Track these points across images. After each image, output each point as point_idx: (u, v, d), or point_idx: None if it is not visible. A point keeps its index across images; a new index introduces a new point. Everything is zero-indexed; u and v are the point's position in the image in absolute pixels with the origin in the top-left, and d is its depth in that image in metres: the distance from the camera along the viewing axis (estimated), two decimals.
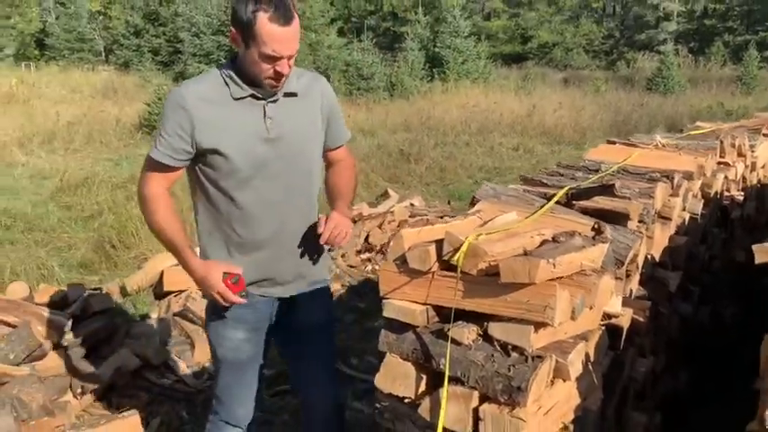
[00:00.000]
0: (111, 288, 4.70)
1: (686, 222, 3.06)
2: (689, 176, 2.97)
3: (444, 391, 1.66)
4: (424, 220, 2.27)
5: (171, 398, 3.57)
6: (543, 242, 1.83)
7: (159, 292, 4.75)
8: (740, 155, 4.19)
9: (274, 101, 2.01)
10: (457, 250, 1.69)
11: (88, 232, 6.29)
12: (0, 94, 17.11)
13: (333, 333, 2.43)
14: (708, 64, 28.47)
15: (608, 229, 2.00)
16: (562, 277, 1.72)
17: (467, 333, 1.69)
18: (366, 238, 5.81)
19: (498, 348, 1.68)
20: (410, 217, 6.16)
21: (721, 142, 3.77)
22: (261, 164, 2.00)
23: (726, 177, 3.76)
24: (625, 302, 2.16)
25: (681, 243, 2.86)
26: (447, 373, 1.67)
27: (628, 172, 2.83)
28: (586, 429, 1.85)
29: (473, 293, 1.69)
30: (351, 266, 5.48)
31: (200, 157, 2.00)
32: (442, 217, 2.38)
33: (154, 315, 4.45)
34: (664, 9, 38.45)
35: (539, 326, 1.63)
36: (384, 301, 1.83)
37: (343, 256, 5.55)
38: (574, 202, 2.34)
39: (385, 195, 7.37)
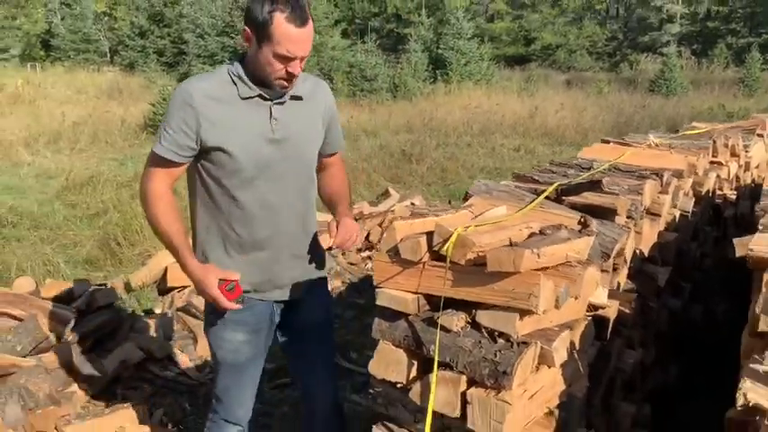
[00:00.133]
0: (115, 284, 4.79)
1: (677, 219, 3.14)
2: (679, 175, 3.04)
3: (434, 376, 1.74)
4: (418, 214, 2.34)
5: (174, 390, 3.65)
6: (531, 235, 1.91)
7: (163, 288, 4.84)
8: (734, 155, 4.26)
9: (280, 103, 2.03)
10: (446, 241, 1.77)
11: (93, 230, 6.39)
12: (6, 95, 17.27)
13: (332, 331, 2.45)
14: (710, 66, 28.51)
15: (594, 223, 2.08)
16: (548, 268, 1.79)
17: (456, 320, 1.77)
18: (366, 237, 5.89)
19: (485, 335, 1.75)
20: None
21: (714, 142, 3.84)
22: (265, 164, 2.02)
23: (718, 176, 3.83)
24: (612, 295, 2.23)
25: (670, 239, 2.93)
26: (436, 359, 1.74)
27: (619, 170, 2.90)
28: (572, 415, 1.92)
29: (462, 282, 1.76)
30: (351, 264, 5.56)
31: (204, 155, 2.00)
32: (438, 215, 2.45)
33: (157, 310, 4.54)
34: (667, 11, 38.48)
35: (524, 313, 1.71)
36: (377, 290, 1.90)
37: (343, 254, 5.63)
38: (563, 197, 2.42)
39: (386, 194, 7.45)
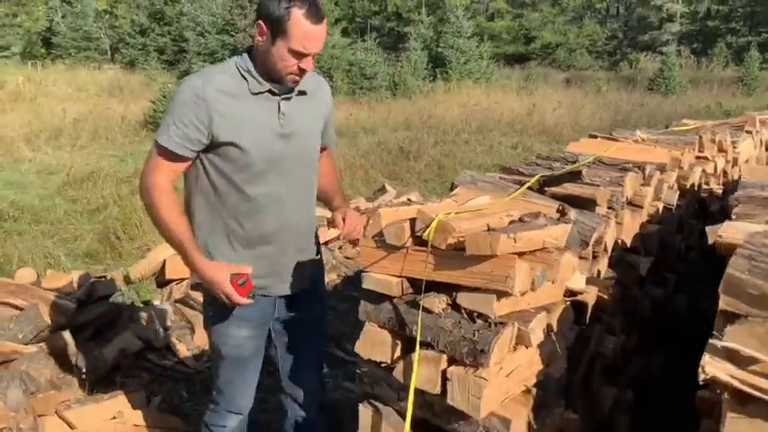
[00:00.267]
0: (115, 276, 4.87)
1: (660, 212, 3.22)
2: (662, 168, 3.13)
3: (416, 355, 1.83)
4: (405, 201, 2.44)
5: (171, 378, 3.74)
6: (511, 222, 2.00)
7: (161, 281, 4.93)
8: (721, 150, 4.34)
9: (288, 98, 2.06)
10: (428, 227, 1.85)
11: (93, 224, 6.48)
12: (7, 92, 17.34)
13: (325, 324, 2.49)
14: (710, 65, 28.59)
15: (572, 212, 2.17)
16: (525, 253, 1.88)
17: (437, 302, 1.86)
18: None
19: (465, 316, 1.84)
20: None
21: (700, 137, 3.93)
22: (275, 159, 2.04)
23: (704, 171, 3.91)
24: (591, 281, 2.32)
25: (653, 230, 3.01)
26: (419, 339, 1.83)
27: (603, 163, 2.99)
28: (549, 393, 2.01)
29: (443, 266, 1.85)
30: (347, 258, 5.65)
31: (212, 149, 2.00)
32: None
33: (156, 302, 4.62)
34: (667, 10, 38.54)
35: (501, 295, 1.79)
36: (363, 274, 1.99)
37: (340, 247, 5.72)
38: (545, 188, 2.51)
39: (382, 190, 7.54)
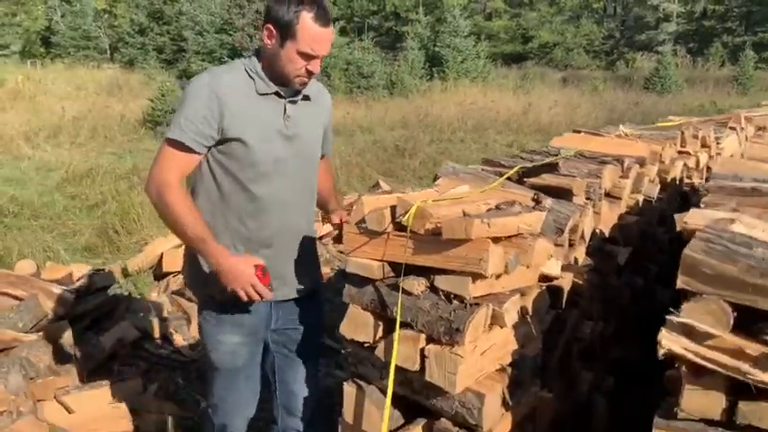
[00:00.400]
0: (113, 269, 4.97)
1: (641, 204, 3.33)
2: (642, 162, 3.24)
3: (396, 335, 1.93)
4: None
5: (168, 366, 3.84)
6: (488, 210, 2.11)
7: (159, 274, 5.04)
8: (704, 146, 4.45)
9: (293, 101, 2.11)
10: (408, 213, 1.96)
11: (92, 219, 6.58)
12: (6, 91, 17.43)
13: (322, 333, 2.51)
14: (706, 64, 28.72)
15: (548, 201, 2.27)
16: (501, 238, 1.99)
17: (416, 285, 1.96)
18: None
19: (442, 297, 1.94)
20: None
21: (682, 133, 4.03)
22: (280, 160, 2.09)
23: (685, 165, 4.02)
24: (567, 268, 2.43)
25: (631, 222, 3.12)
26: (399, 320, 1.93)
27: (584, 156, 3.10)
28: (524, 373, 2.11)
29: (421, 250, 1.95)
30: (341, 252, 5.76)
31: (221, 146, 2.04)
32: None
33: (153, 294, 4.73)
34: (664, 10, 38.68)
35: (476, 277, 1.89)
36: (347, 258, 2.10)
37: (333, 242, 5.82)
38: (525, 179, 2.61)
39: (376, 187, 7.64)
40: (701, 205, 2.38)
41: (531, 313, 2.14)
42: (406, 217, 1.93)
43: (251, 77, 2.06)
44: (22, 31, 36.77)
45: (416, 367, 1.93)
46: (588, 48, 40.21)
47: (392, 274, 2.05)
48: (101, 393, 3.19)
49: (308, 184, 2.26)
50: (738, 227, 1.89)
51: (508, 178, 2.54)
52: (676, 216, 2.22)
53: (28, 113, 13.88)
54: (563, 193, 2.54)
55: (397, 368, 1.93)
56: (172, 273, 4.89)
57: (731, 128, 4.99)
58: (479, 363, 1.94)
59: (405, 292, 1.96)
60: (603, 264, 2.84)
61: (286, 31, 1.97)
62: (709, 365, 1.57)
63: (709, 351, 1.58)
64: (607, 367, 3.05)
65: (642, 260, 3.38)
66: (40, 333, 3.55)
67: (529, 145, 12.27)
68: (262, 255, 2.13)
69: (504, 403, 1.99)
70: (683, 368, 1.65)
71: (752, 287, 1.53)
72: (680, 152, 4.05)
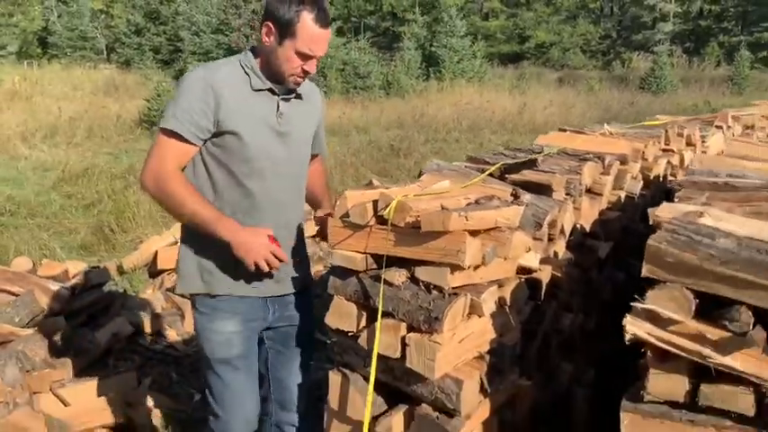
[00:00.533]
0: (108, 267, 5.04)
1: (623, 200, 3.41)
2: (623, 159, 3.32)
3: (378, 324, 2.00)
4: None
5: (162, 361, 3.90)
6: (468, 204, 2.19)
7: (153, 271, 5.10)
8: (690, 144, 4.53)
9: (287, 99, 2.14)
10: (389, 207, 2.04)
11: (88, 218, 6.66)
12: (3, 91, 17.48)
13: (314, 332, 2.52)
14: (702, 64, 28.86)
15: (526, 196, 2.35)
16: (480, 231, 2.07)
17: (397, 276, 2.04)
18: None
19: (422, 288, 2.02)
20: None
21: (666, 131, 4.12)
22: (272, 155, 2.12)
23: (669, 163, 4.10)
24: (546, 260, 2.51)
25: (613, 217, 3.20)
26: (381, 309, 2.01)
27: (566, 153, 3.18)
28: (503, 361, 2.19)
29: (402, 243, 2.03)
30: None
31: (216, 139, 2.06)
32: None
33: (148, 291, 4.80)
34: (660, 10, 38.84)
35: (454, 268, 1.97)
36: (332, 251, 2.17)
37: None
38: (506, 175, 2.69)
39: (369, 185, 7.72)
40: (675, 199, 2.47)
41: (509, 304, 2.22)
42: (387, 211, 2.01)
43: (246, 73, 2.09)
44: (18, 32, 36.77)
45: (398, 355, 2.00)
46: (585, 48, 40.36)
47: (375, 265, 2.13)
48: (96, 386, 3.27)
49: (298, 185, 2.30)
50: (706, 219, 1.97)
51: (490, 174, 2.62)
52: (649, 210, 2.30)
53: (25, 114, 13.93)
54: (543, 189, 2.62)
55: (380, 356, 2.01)
56: (166, 270, 4.96)
57: (717, 126, 5.08)
58: (458, 350, 2.02)
59: (386, 282, 2.03)
60: (584, 258, 2.92)
61: (285, 30, 2.00)
62: (673, 350, 1.65)
63: (673, 336, 1.66)
64: (588, 360, 3.13)
65: (624, 255, 3.46)
66: (36, 328, 3.63)
67: (524, 144, 12.37)
68: None
69: (483, 390, 2.07)
70: (648, 353, 1.73)
71: (712, 275, 1.60)
72: (664, 150, 4.13)
